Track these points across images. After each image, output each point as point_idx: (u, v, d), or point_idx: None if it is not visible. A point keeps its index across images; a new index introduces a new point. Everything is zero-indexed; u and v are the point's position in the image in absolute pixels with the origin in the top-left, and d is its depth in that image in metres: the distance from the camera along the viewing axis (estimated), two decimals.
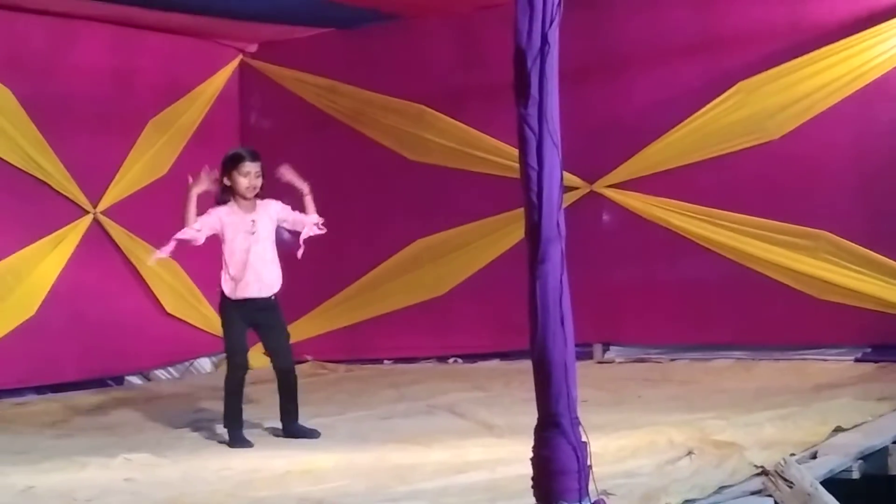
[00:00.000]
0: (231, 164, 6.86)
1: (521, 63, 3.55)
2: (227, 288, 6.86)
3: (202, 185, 6.81)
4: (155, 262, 7.31)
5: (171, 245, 6.81)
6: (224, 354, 7.26)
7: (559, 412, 3.57)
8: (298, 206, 7.11)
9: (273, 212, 7.01)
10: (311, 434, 6.86)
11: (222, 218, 6.85)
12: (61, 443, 7.06)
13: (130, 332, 9.88)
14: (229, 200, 6.90)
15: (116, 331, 9.78)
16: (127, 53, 10.18)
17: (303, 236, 7.03)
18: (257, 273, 6.86)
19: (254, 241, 6.86)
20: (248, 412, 7.12)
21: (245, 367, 6.89)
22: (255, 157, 6.89)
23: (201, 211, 6.88)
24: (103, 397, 9.12)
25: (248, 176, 6.84)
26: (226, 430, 6.84)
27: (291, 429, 6.91)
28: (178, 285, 10.23)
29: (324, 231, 7.08)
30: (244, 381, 6.88)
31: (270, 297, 6.96)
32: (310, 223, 7.04)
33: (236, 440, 6.72)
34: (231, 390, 6.83)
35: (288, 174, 7.07)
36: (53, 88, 9.56)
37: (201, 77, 10.75)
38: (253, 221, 6.89)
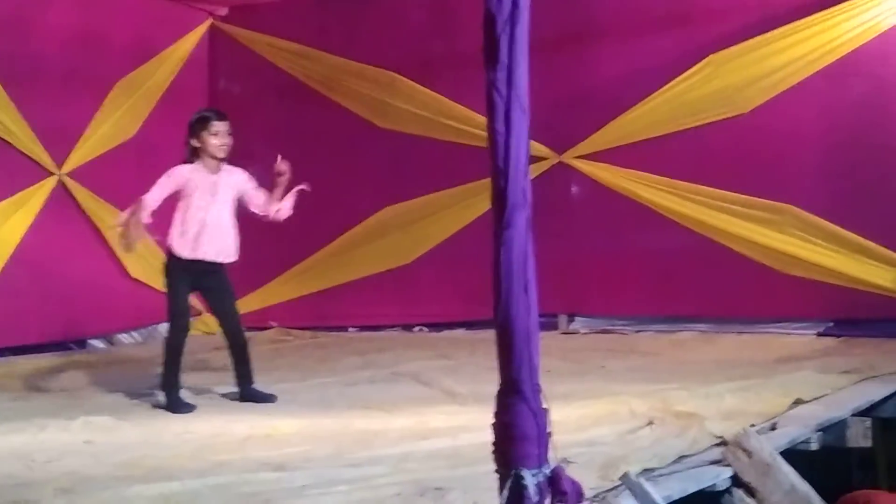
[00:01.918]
0: (200, 125, 6.80)
1: (491, 27, 3.52)
2: (178, 245, 6.72)
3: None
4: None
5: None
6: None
7: (521, 379, 3.55)
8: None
9: (236, 180, 6.93)
10: (267, 398, 6.81)
11: (183, 174, 6.78)
12: (21, 405, 7.00)
13: (94, 296, 9.83)
14: (195, 161, 6.84)
15: (80, 294, 9.73)
16: (95, 14, 10.06)
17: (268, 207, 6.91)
18: (211, 236, 6.76)
19: (213, 202, 6.79)
20: (208, 378, 7.09)
21: (187, 329, 6.83)
22: (222, 117, 6.87)
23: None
24: (65, 360, 9.06)
25: (219, 135, 6.79)
26: (163, 393, 6.73)
27: (247, 392, 6.85)
28: (142, 249, 10.13)
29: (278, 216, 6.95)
30: (185, 343, 6.81)
31: (222, 263, 6.88)
32: (267, 205, 6.90)
33: (176, 404, 6.63)
34: (172, 353, 6.73)
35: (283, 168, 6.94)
36: (20, 48, 9.44)
37: (170, 39, 10.67)
38: (215, 183, 6.83)
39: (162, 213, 6.84)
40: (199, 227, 6.74)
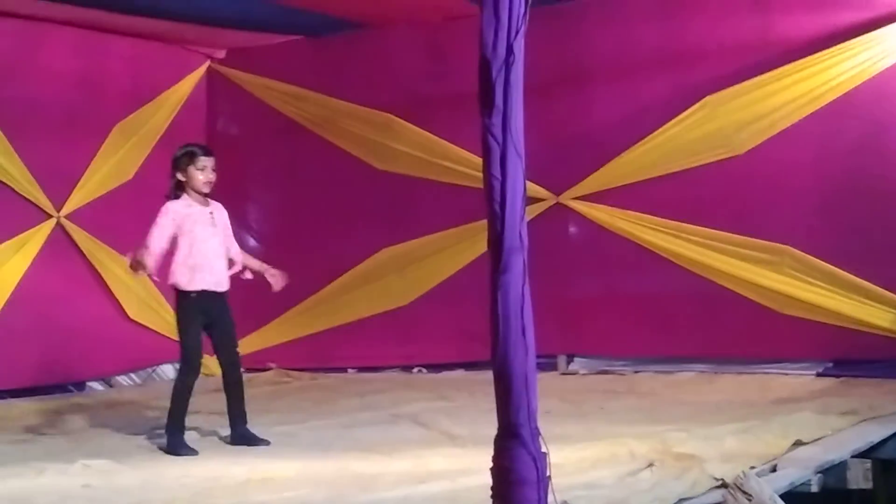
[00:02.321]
0: (187, 160, 6.85)
1: (486, 73, 3.56)
2: (184, 279, 6.77)
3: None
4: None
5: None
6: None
7: (519, 423, 3.57)
8: None
9: (224, 218, 7.04)
10: (260, 442, 6.79)
11: (179, 211, 6.82)
12: (19, 448, 6.99)
13: (92, 338, 9.81)
14: (181, 196, 6.87)
15: (78, 336, 9.71)
16: (94, 57, 10.12)
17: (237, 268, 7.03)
18: (212, 266, 6.84)
19: (214, 234, 6.88)
20: (208, 420, 7.06)
21: (199, 371, 6.84)
22: (209, 152, 6.94)
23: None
24: (63, 403, 9.03)
25: (205, 170, 6.85)
26: (167, 435, 6.73)
27: (240, 433, 6.83)
28: (141, 291, 10.16)
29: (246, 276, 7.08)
30: (193, 386, 6.81)
31: (224, 292, 6.93)
32: (237, 258, 7.05)
33: (179, 447, 6.63)
34: (181, 392, 6.74)
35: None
36: (19, 91, 9.49)
37: (168, 82, 10.71)
38: (211, 214, 6.90)
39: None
40: (201, 259, 6.79)
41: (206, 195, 6.91)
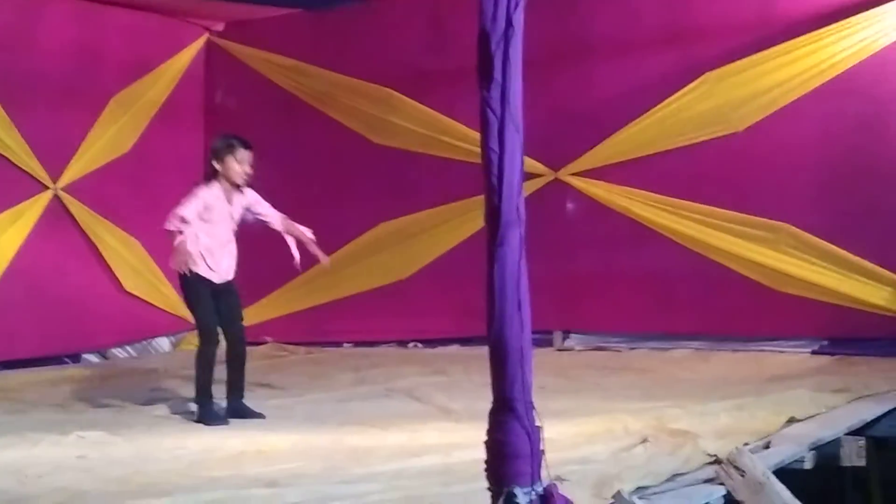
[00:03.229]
0: (226, 150, 6.87)
1: (485, 45, 3.53)
2: (195, 265, 6.79)
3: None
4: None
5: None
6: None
7: (514, 396, 3.57)
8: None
9: (247, 201, 7.04)
10: (255, 415, 6.81)
11: (210, 200, 6.83)
12: (14, 419, 6.99)
13: (88, 310, 9.82)
14: (212, 183, 6.87)
15: (74, 308, 9.71)
16: (92, 29, 10.08)
17: (293, 245, 7.14)
18: (218, 261, 6.89)
19: (226, 231, 6.93)
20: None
21: (217, 341, 6.86)
22: (249, 147, 6.93)
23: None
24: (59, 374, 9.05)
25: (243, 163, 6.87)
26: (197, 405, 6.80)
27: (236, 407, 6.86)
28: (137, 263, 10.16)
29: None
30: (216, 355, 6.84)
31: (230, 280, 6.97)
32: (276, 221, 7.12)
33: (210, 416, 6.69)
34: (204, 365, 6.79)
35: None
36: (17, 63, 9.45)
37: (166, 55, 10.67)
38: (231, 213, 6.95)
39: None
40: (210, 254, 6.83)
41: (238, 187, 6.90)
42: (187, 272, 6.71)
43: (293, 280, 10.47)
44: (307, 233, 7.22)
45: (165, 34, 10.70)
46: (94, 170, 9.97)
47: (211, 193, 6.85)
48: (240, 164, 6.86)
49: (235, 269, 7.00)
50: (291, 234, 7.19)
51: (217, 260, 6.88)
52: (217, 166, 6.86)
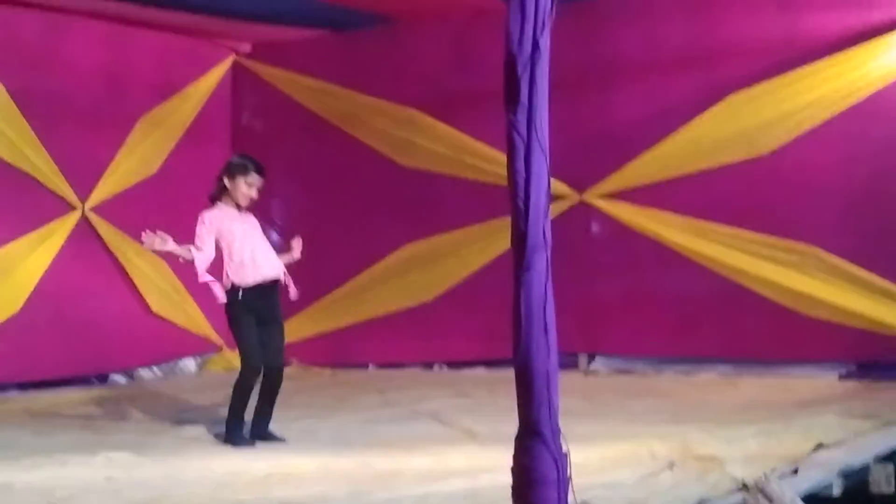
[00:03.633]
0: (240, 170, 6.87)
1: (512, 69, 3.54)
2: (239, 277, 6.78)
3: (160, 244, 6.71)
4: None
5: (216, 286, 6.81)
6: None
7: (540, 421, 3.56)
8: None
9: (255, 221, 7.06)
10: (278, 440, 6.81)
11: (213, 220, 6.83)
12: (42, 440, 7.02)
13: (115, 331, 9.85)
14: (220, 200, 6.89)
15: (101, 329, 9.75)
16: (120, 50, 10.16)
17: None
18: (266, 255, 6.89)
19: (253, 228, 6.92)
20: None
21: (260, 369, 6.82)
22: (262, 172, 6.93)
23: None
24: (86, 395, 9.08)
25: (252, 188, 6.88)
26: (226, 427, 6.80)
27: (260, 431, 6.85)
28: (164, 284, 10.20)
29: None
30: (255, 384, 6.84)
31: (279, 282, 6.94)
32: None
33: (238, 438, 6.71)
34: (242, 392, 6.78)
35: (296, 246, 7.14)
36: (45, 83, 9.53)
37: (194, 76, 10.73)
38: (243, 216, 6.94)
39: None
40: (251, 251, 6.83)
41: (241, 209, 6.91)
42: (234, 285, 6.74)
43: (318, 301, 10.52)
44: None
45: (193, 55, 10.77)
46: (122, 190, 10.02)
47: (214, 213, 6.86)
48: (249, 186, 6.86)
49: (281, 268, 6.96)
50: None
51: (262, 255, 6.85)
52: (227, 183, 6.87)
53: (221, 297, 6.81)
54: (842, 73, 8.65)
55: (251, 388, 6.81)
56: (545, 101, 3.54)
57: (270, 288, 6.89)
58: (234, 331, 6.92)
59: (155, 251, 6.92)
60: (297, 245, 7.16)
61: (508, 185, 3.53)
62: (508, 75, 3.56)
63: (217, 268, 6.88)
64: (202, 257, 6.76)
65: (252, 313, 6.80)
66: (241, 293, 6.78)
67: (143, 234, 6.72)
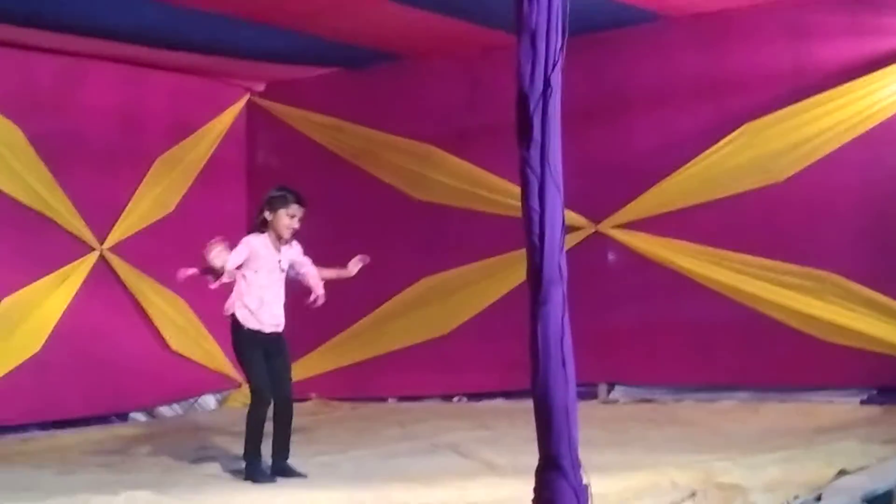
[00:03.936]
0: (281, 202, 6.94)
1: (524, 106, 3.57)
2: (240, 315, 6.87)
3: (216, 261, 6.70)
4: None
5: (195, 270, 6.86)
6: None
7: (560, 454, 3.57)
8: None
9: (293, 253, 7.11)
10: (298, 475, 6.81)
11: (255, 249, 6.90)
12: (64, 479, 7.04)
13: (135, 369, 9.89)
14: (264, 232, 6.94)
15: (121, 367, 9.79)
16: (135, 92, 10.25)
17: (316, 292, 7.13)
18: (271, 310, 6.94)
19: (276, 281, 6.97)
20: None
21: (269, 401, 6.87)
22: (303, 203, 7.01)
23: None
24: (107, 434, 9.11)
25: (294, 218, 6.95)
26: (246, 463, 6.83)
27: (280, 466, 6.86)
28: (182, 322, 10.24)
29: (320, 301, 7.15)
30: (267, 415, 6.88)
31: (280, 332, 7.01)
32: (316, 283, 7.16)
33: (258, 474, 6.73)
34: (255, 425, 6.83)
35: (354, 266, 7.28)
36: (62, 126, 9.62)
37: (209, 115, 10.81)
38: (279, 262, 6.99)
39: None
40: (258, 304, 6.90)
41: (285, 241, 6.97)
42: (238, 321, 6.78)
43: (337, 336, 10.55)
44: (340, 271, 7.28)
45: (207, 95, 10.85)
46: (139, 230, 10.08)
47: (259, 241, 6.92)
48: (291, 218, 6.93)
49: (283, 324, 7.02)
50: (328, 279, 7.22)
51: (267, 309, 6.91)
52: (268, 216, 6.93)
53: (190, 272, 6.85)
54: (854, 100, 8.67)
55: (263, 419, 6.83)
56: (558, 136, 3.57)
57: (272, 334, 6.97)
58: (241, 362, 7.02)
59: (168, 275, 6.96)
60: (354, 265, 7.26)
61: (523, 222, 3.56)
62: (521, 113, 3.59)
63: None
64: (216, 262, 6.70)
65: (259, 345, 6.87)
66: (246, 331, 6.85)
67: (210, 243, 6.67)
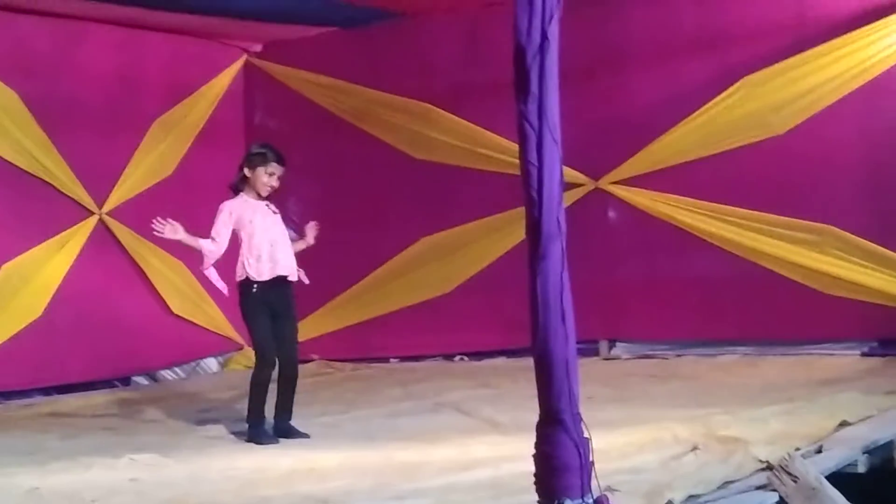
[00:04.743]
0: (259, 159, 6.92)
1: (521, 60, 3.54)
2: (253, 271, 6.82)
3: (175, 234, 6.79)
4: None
5: (212, 272, 6.91)
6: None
7: (561, 408, 3.57)
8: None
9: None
10: (300, 435, 6.82)
11: (234, 210, 6.89)
12: (67, 443, 7.06)
13: (136, 333, 9.89)
14: (242, 191, 6.93)
15: (122, 331, 9.79)
16: (132, 54, 10.19)
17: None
18: (284, 249, 6.92)
19: (275, 222, 6.95)
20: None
21: (274, 364, 6.87)
22: (282, 161, 6.97)
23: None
24: (110, 398, 9.13)
25: (272, 177, 6.92)
26: (249, 425, 6.84)
27: (283, 427, 6.87)
28: (183, 286, 10.23)
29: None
30: (271, 377, 6.89)
31: (291, 280, 6.97)
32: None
33: (261, 435, 6.74)
34: (258, 385, 6.82)
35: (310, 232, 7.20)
36: (59, 90, 9.57)
37: (206, 77, 10.76)
38: (266, 206, 6.97)
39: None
40: (270, 246, 6.86)
41: (262, 198, 6.95)
42: (246, 282, 6.78)
43: (337, 298, 10.56)
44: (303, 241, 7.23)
45: (204, 57, 10.79)
46: (138, 193, 10.05)
47: (236, 203, 6.91)
48: (269, 176, 6.90)
49: (296, 269, 6.97)
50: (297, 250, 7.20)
51: (279, 249, 6.88)
52: (247, 173, 6.91)
53: (223, 288, 6.90)
54: (854, 51, 8.63)
55: (267, 382, 6.84)
56: (556, 90, 3.54)
57: (285, 284, 6.92)
58: (247, 324, 6.99)
59: (168, 239, 6.97)
60: (311, 231, 7.22)
61: (521, 176, 3.54)
62: (518, 66, 3.56)
63: (231, 256, 6.91)
64: (214, 249, 6.84)
65: (266, 307, 6.84)
66: (255, 286, 6.81)
67: (154, 221, 6.75)
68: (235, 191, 6.98)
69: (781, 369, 8.36)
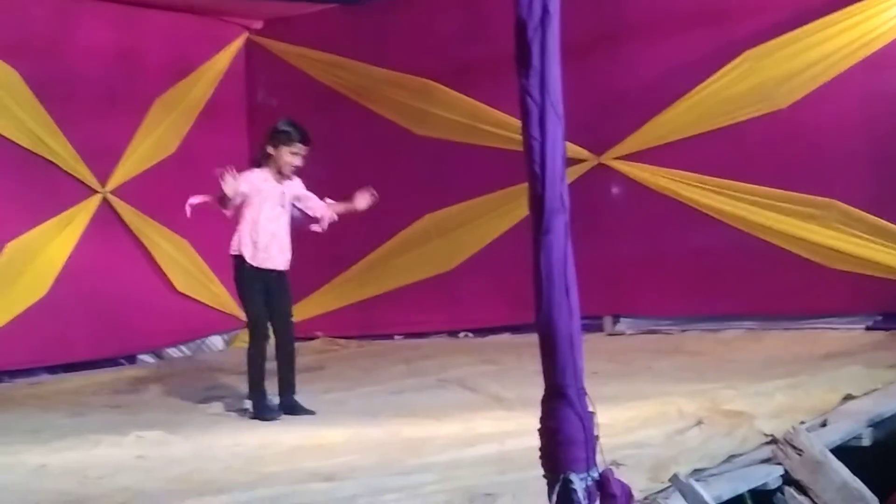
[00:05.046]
0: (284, 138, 6.88)
1: (522, 33, 3.52)
2: (248, 253, 6.84)
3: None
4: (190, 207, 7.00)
5: (206, 198, 6.85)
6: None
7: (565, 383, 3.55)
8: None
9: (295, 187, 7.05)
10: (305, 412, 6.82)
11: (255, 183, 6.85)
12: (74, 421, 7.09)
13: (141, 311, 9.92)
14: (263, 166, 6.90)
15: (127, 309, 9.82)
16: (133, 32, 10.17)
17: (323, 223, 7.07)
18: (280, 245, 6.91)
19: (282, 214, 6.93)
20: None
21: (266, 336, 6.89)
22: (308, 141, 6.94)
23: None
24: (115, 376, 9.16)
25: (296, 156, 6.90)
26: (251, 402, 6.86)
27: (287, 403, 6.88)
28: (188, 263, 10.25)
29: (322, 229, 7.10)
30: (266, 350, 6.89)
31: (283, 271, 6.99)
32: (324, 213, 7.09)
33: (264, 411, 6.75)
34: (255, 361, 6.85)
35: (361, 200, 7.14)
36: (60, 68, 9.56)
37: (207, 55, 10.74)
38: (283, 193, 6.94)
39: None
40: (269, 238, 6.86)
41: (283, 177, 6.93)
42: (240, 259, 6.77)
43: (342, 275, 10.57)
44: (348, 204, 7.18)
45: (205, 34, 10.77)
46: (141, 172, 10.06)
47: (257, 175, 6.88)
48: (293, 156, 6.88)
49: (289, 261, 6.98)
50: (339, 213, 7.16)
51: (276, 243, 6.87)
52: (271, 151, 6.87)
53: (193, 201, 6.84)
54: (857, 23, 8.59)
55: (262, 354, 6.85)
56: (557, 64, 3.52)
57: (278, 272, 6.94)
58: (240, 297, 7.03)
59: (171, 217, 6.93)
60: (363, 199, 7.14)
61: (524, 150, 3.52)
62: (519, 40, 3.53)
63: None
64: (227, 190, 6.65)
65: (260, 282, 6.85)
66: (248, 263, 6.82)
67: (219, 170, 6.61)
68: (257, 164, 6.94)
69: (786, 344, 8.37)
